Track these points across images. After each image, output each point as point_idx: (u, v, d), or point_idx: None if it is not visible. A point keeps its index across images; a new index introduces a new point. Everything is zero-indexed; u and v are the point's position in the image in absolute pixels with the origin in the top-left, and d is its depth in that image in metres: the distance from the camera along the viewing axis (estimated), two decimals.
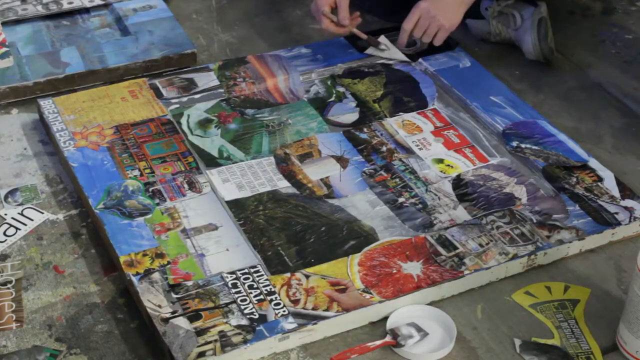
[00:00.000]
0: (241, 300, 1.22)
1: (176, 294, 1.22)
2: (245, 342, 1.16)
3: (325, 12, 1.72)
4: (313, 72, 1.73)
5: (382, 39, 1.80)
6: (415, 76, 1.73)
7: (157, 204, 1.39)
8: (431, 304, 1.25)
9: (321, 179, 1.46)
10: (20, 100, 1.69)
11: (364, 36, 1.78)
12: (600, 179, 1.45)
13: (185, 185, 1.43)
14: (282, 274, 1.26)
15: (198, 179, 1.45)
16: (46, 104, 1.62)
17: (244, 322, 1.19)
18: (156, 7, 1.94)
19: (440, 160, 1.51)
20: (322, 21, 1.73)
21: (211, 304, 1.21)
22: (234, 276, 1.25)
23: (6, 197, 1.45)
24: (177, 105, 1.63)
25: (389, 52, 1.78)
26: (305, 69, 1.74)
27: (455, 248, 1.31)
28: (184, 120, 1.59)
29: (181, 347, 1.14)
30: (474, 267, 1.28)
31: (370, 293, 1.23)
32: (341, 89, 1.69)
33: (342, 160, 1.50)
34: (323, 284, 1.25)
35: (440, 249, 1.31)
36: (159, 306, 1.20)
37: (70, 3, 1.94)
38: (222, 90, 1.68)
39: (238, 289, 1.23)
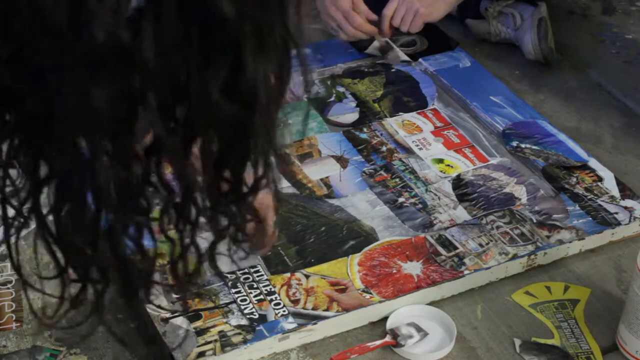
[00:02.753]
0: (241, 300, 1.22)
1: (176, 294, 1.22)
2: (245, 342, 1.16)
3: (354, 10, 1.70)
4: (313, 72, 1.73)
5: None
6: (415, 76, 1.73)
7: (157, 204, 1.39)
8: (431, 304, 1.25)
9: (321, 179, 1.46)
10: None
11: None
12: (600, 179, 1.45)
13: None
14: (282, 274, 1.26)
15: None
16: None
17: (244, 322, 1.18)
18: None
19: (440, 160, 1.51)
20: (355, 19, 1.71)
21: (211, 304, 1.21)
22: (234, 276, 1.25)
23: None
24: None
25: (389, 52, 1.78)
26: None
27: (455, 248, 1.31)
28: None
29: (181, 347, 1.14)
30: (473, 267, 1.28)
31: (370, 293, 1.23)
32: (341, 89, 1.69)
33: (342, 160, 1.50)
34: (323, 284, 1.25)
35: (440, 249, 1.31)
36: (159, 306, 1.20)
37: None
38: None
39: (238, 289, 1.23)
